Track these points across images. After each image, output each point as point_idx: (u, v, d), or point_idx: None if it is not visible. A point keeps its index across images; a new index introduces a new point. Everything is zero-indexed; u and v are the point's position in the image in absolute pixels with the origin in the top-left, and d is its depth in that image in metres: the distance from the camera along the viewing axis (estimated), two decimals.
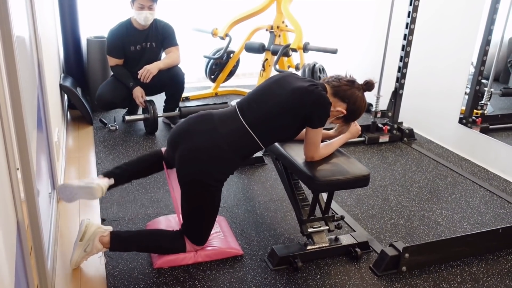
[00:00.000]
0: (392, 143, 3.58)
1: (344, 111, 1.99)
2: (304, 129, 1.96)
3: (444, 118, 3.59)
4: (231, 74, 4.51)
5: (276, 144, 2.19)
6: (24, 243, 1.33)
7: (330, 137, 2.19)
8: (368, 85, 2.02)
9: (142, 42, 3.44)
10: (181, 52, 3.57)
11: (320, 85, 1.95)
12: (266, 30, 4.09)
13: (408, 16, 3.28)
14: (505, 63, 3.46)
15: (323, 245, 2.11)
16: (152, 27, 3.43)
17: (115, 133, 3.48)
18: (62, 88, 3.44)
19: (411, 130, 3.67)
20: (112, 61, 3.45)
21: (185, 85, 3.67)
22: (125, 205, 2.47)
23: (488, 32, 3.21)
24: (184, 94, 4.19)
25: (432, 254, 2.10)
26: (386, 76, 3.53)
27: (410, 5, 3.25)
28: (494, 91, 3.43)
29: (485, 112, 3.44)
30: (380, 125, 3.61)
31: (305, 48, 3.65)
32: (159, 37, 3.47)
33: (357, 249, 2.13)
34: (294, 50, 3.67)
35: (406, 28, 3.31)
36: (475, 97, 3.39)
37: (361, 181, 2.00)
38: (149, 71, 3.36)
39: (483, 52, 3.26)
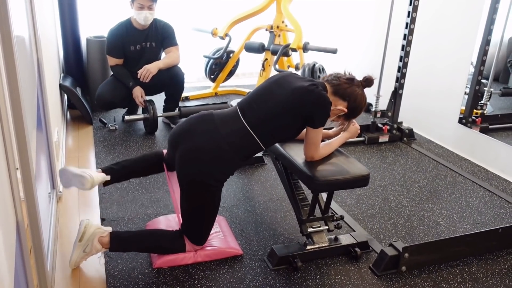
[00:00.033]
0: (392, 143, 3.58)
1: (345, 109, 1.98)
2: (304, 129, 1.96)
3: (444, 118, 3.59)
4: (231, 74, 4.51)
5: (276, 144, 2.19)
6: (24, 243, 1.32)
7: (329, 137, 2.19)
8: (368, 81, 2.02)
9: (142, 42, 3.44)
10: (181, 52, 3.57)
11: (320, 84, 1.95)
12: (266, 30, 4.08)
13: (408, 16, 3.28)
14: (505, 63, 3.46)
15: (323, 245, 2.11)
16: (152, 27, 3.43)
17: (114, 133, 3.48)
18: (62, 88, 3.44)
19: (410, 130, 3.67)
20: (112, 61, 3.45)
21: (185, 85, 3.67)
22: (124, 205, 2.47)
23: (488, 32, 3.21)
24: (184, 94, 4.19)
25: (432, 254, 2.10)
26: (386, 76, 3.53)
27: (410, 5, 3.25)
28: (493, 91, 3.43)
29: (485, 112, 3.44)
30: (379, 125, 3.61)
31: (305, 48, 3.65)
32: (159, 37, 3.47)
33: (357, 249, 2.13)
34: (294, 50, 3.67)
35: (406, 28, 3.31)
36: (475, 97, 3.39)
37: (361, 181, 2.00)
38: (148, 70, 3.36)
39: (483, 52, 3.26)
